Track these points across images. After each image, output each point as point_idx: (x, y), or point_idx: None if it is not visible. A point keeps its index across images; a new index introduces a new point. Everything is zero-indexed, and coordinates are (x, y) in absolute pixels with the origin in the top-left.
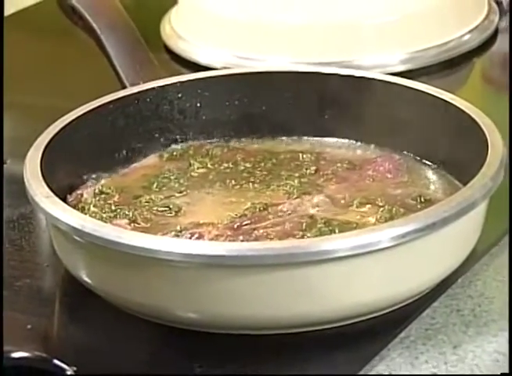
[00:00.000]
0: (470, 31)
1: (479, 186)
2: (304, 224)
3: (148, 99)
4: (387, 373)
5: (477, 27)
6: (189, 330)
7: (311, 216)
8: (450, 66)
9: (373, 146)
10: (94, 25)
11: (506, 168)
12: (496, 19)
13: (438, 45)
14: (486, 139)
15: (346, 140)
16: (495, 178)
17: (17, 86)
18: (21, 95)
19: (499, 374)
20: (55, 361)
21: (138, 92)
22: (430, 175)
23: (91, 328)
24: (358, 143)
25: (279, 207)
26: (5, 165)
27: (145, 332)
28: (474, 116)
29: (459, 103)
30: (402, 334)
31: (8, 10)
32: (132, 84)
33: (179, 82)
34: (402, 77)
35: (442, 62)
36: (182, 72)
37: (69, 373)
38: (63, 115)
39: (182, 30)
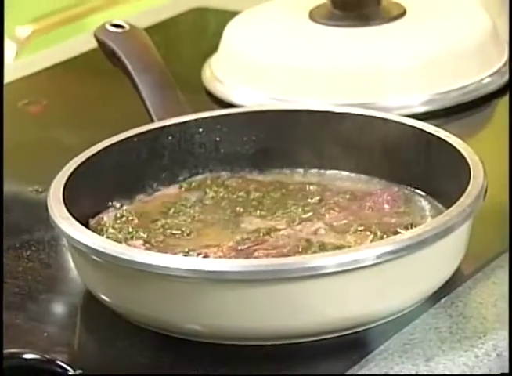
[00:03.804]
0: (490, 75)
1: (456, 212)
2: (300, 247)
3: (170, 133)
4: None
5: (497, 70)
6: (191, 341)
7: (308, 240)
8: (470, 108)
9: (376, 179)
10: (129, 66)
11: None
12: None
13: (459, 88)
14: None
15: (352, 174)
16: (472, 206)
17: (61, 121)
18: (67, 129)
19: (499, 373)
20: (59, 362)
21: (162, 127)
22: (425, 205)
23: (101, 338)
24: (363, 176)
25: (281, 233)
26: (36, 193)
27: (151, 342)
28: (462, 151)
29: (452, 140)
30: (382, 347)
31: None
32: (160, 120)
33: (200, 118)
34: (423, 118)
35: (462, 104)
36: None
37: (70, 373)
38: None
39: (221, 74)
